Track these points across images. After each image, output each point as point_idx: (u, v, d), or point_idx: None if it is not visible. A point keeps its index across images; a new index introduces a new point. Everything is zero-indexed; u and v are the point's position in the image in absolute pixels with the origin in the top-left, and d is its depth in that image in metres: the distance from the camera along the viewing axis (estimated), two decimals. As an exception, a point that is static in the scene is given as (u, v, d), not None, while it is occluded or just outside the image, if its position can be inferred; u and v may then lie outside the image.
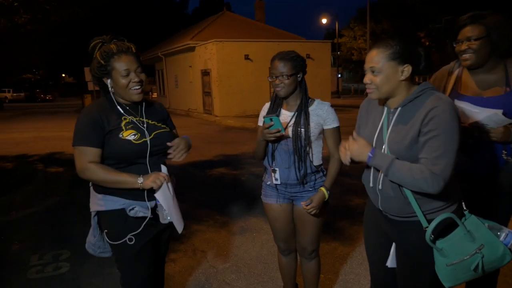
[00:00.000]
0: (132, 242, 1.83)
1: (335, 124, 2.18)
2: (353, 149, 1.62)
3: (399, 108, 1.62)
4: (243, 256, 3.47)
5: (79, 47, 35.84)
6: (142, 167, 1.82)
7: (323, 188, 2.17)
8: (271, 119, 2.04)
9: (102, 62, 1.78)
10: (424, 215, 1.60)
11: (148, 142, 1.82)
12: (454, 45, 1.99)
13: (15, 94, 40.41)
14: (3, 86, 39.20)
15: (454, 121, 1.47)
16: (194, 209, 4.78)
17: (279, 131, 2.05)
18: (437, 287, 1.88)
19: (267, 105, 2.35)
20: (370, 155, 1.58)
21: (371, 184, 1.75)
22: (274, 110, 2.27)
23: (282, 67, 2.10)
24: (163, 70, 23.30)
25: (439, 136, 1.46)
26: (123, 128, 1.79)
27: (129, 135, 1.78)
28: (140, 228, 1.83)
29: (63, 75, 57.24)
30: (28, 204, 5.19)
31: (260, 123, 2.29)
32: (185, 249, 3.63)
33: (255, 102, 16.81)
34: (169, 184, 1.87)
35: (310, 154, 2.17)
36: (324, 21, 33.16)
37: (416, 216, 1.62)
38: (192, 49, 18.79)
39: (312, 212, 2.15)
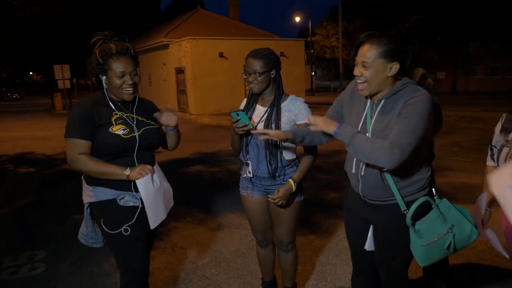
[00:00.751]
0: (128, 233, 1.90)
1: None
2: (322, 120, 1.76)
3: (383, 100, 1.73)
4: (222, 251, 3.52)
5: (48, 44, 34.83)
6: (130, 160, 1.91)
7: (290, 180, 2.20)
8: (237, 114, 2.11)
9: (100, 61, 1.85)
10: (402, 198, 1.72)
11: (137, 137, 1.91)
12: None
13: (-21, 93, 38.72)
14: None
15: (426, 110, 1.60)
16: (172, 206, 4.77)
17: (246, 125, 2.11)
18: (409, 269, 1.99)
19: (244, 101, 2.41)
20: (337, 128, 1.72)
21: (353, 170, 1.84)
22: (250, 105, 2.33)
23: (255, 65, 2.17)
24: (136, 68, 22.87)
25: (408, 118, 1.59)
26: (113, 123, 1.87)
27: (118, 129, 1.87)
28: (134, 219, 1.91)
29: (31, 73, 55.24)
30: (1, 204, 5.04)
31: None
32: (164, 246, 3.64)
33: (230, 100, 16.83)
34: (155, 177, 1.93)
35: (281, 149, 2.23)
36: (297, 19, 33.48)
37: (393, 199, 1.74)
38: (165, 46, 18.59)
39: (279, 203, 2.19)
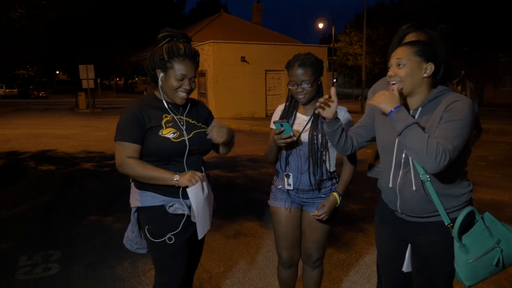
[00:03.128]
0: (172, 242, 1.83)
1: None
2: (384, 95, 1.60)
3: (420, 108, 1.65)
4: (238, 261, 3.41)
5: (74, 44, 35.74)
6: (179, 166, 1.84)
7: (335, 193, 2.13)
8: (281, 125, 1.99)
9: (165, 57, 1.78)
10: (446, 213, 1.61)
11: (187, 141, 1.83)
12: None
13: (8, 90, 39.92)
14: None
15: (471, 114, 1.54)
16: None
17: (290, 137, 1.99)
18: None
19: (280, 107, 2.29)
20: (394, 109, 1.56)
21: (390, 185, 1.73)
22: (289, 113, 2.22)
23: (303, 75, 2.04)
24: (158, 70, 23.15)
25: (456, 121, 1.51)
26: (163, 126, 1.81)
27: (168, 133, 1.80)
28: (180, 227, 1.84)
29: (57, 72, 56.80)
30: (18, 202, 5.07)
31: (273, 126, 2.23)
32: (178, 252, 3.56)
33: (250, 104, 16.79)
34: (205, 184, 1.85)
35: (327, 160, 2.13)
36: (320, 25, 33.27)
37: (436, 216, 1.63)
38: (188, 49, 18.71)
39: (324, 218, 2.11)
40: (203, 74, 17.59)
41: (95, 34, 35.30)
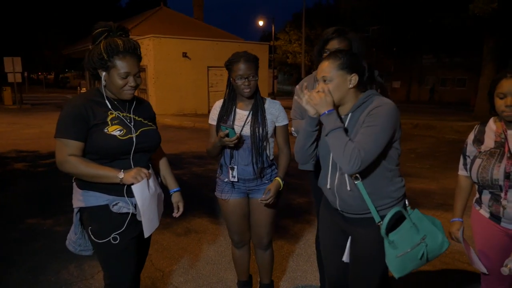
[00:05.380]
0: (117, 242, 1.77)
1: (285, 121, 2.37)
2: (318, 97, 1.68)
3: (350, 114, 1.76)
4: (189, 258, 3.41)
5: (-4, 35, 32.61)
6: (125, 163, 1.79)
7: (278, 178, 2.31)
8: (226, 129, 2.13)
9: (104, 56, 1.70)
10: (377, 211, 1.73)
11: (134, 138, 1.78)
12: (323, 54, 2.22)
13: None
14: None
15: (391, 120, 1.64)
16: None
17: (238, 138, 2.14)
18: (385, 281, 2.00)
19: (218, 104, 2.41)
20: (326, 112, 1.66)
21: (328, 186, 1.84)
22: (229, 109, 2.34)
23: (249, 69, 2.20)
24: (94, 64, 21.97)
25: (374, 127, 1.61)
26: (109, 123, 1.75)
27: (114, 130, 1.74)
28: (124, 226, 1.78)
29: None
30: None
31: (211, 122, 2.39)
32: (127, 253, 3.47)
33: (193, 100, 16.58)
34: (151, 181, 1.82)
35: (267, 149, 2.32)
36: (260, 23, 33.65)
37: (371, 213, 1.73)
38: (126, 43, 17.97)
39: (271, 202, 2.26)
40: (142, 69, 17.01)
41: (22, 25, 32.58)
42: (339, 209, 1.84)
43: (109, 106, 1.79)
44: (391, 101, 1.71)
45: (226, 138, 2.12)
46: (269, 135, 2.30)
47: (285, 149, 2.38)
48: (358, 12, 24.95)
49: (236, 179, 2.30)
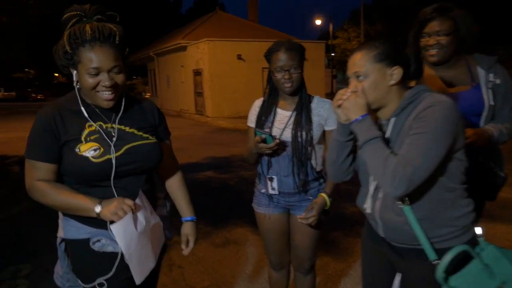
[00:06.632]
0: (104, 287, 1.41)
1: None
2: (349, 101, 1.31)
3: (393, 119, 1.35)
4: (225, 273, 3.11)
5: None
6: (106, 191, 1.39)
7: (324, 194, 1.91)
8: (262, 135, 1.81)
9: (68, 49, 1.30)
10: (432, 244, 1.29)
11: (113, 160, 1.36)
12: (420, 39, 1.87)
13: (6, 93, 39.76)
14: (-8, 85, 38.57)
15: (448, 123, 1.22)
16: (174, 216, 4.41)
17: (276, 144, 1.81)
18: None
19: (258, 103, 2.07)
20: (359, 118, 1.29)
21: (368, 210, 1.44)
22: (269, 109, 2.00)
23: (291, 59, 1.83)
24: (155, 70, 22.88)
25: (423, 134, 1.21)
26: (82, 140, 1.36)
27: (87, 150, 1.34)
28: (113, 271, 1.40)
29: (56, 74, 56.57)
30: (-5, 210, 4.78)
31: (250, 124, 2.07)
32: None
33: (247, 102, 16.25)
34: (140, 214, 1.38)
35: (313, 158, 1.93)
36: (318, 22, 32.90)
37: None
38: (183, 48, 18.40)
39: (312, 222, 1.88)
40: (199, 73, 17.28)
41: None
42: (383, 236, 1.42)
43: (86, 116, 1.38)
44: (447, 98, 1.26)
45: (263, 144, 1.80)
46: (315, 141, 1.91)
47: None
48: (423, 3, 23.40)
49: (276, 192, 1.97)
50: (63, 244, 1.49)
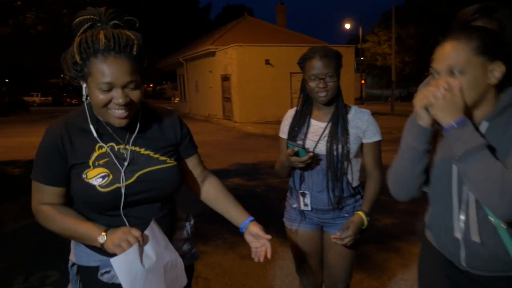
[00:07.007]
0: None
1: (376, 137, 1.82)
2: (446, 99, 1.07)
3: (486, 123, 1.14)
4: (252, 287, 2.99)
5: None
6: (117, 219, 1.24)
7: (361, 213, 1.79)
8: (295, 147, 1.71)
9: (77, 59, 1.13)
10: None
11: (123, 190, 1.20)
12: None
13: (43, 98, 41.39)
14: (32, 90, 40.15)
15: None
16: (200, 225, 4.33)
17: (310, 157, 1.69)
18: None
19: (290, 113, 1.94)
20: (459, 121, 1.07)
21: (458, 235, 1.22)
22: (302, 119, 1.87)
23: (326, 67, 1.72)
24: (184, 75, 23.20)
25: None
26: (90, 165, 1.21)
27: (95, 176, 1.19)
28: None
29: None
30: (24, 215, 4.85)
31: (282, 135, 1.94)
32: (186, 275, 3.17)
33: (275, 108, 16.32)
34: (148, 248, 1.18)
35: (349, 173, 1.80)
36: (347, 26, 32.50)
37: None
38: (212, 54, 18.55)
39: (348, 243, 1.74)
40: (227, 78, 17.34)
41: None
42: (464, 265, 1.23)
43: (95, 136, 1.22)
44: None
45: (295, 158, 1.69)
46: (352, 155, 1.79)
47: (375, 174, 1.83)
48: (456, 5, 22.63)
49: (309, 208, 1.85)
50: (74, 268, 1.38)
